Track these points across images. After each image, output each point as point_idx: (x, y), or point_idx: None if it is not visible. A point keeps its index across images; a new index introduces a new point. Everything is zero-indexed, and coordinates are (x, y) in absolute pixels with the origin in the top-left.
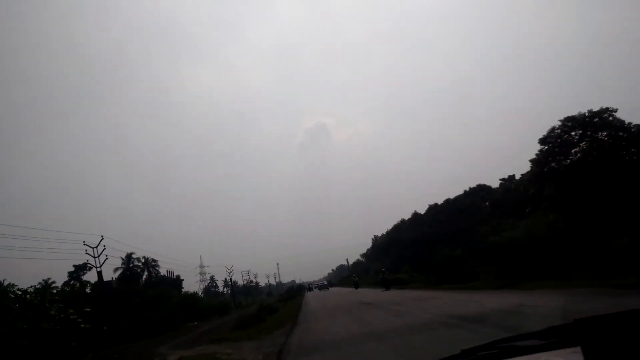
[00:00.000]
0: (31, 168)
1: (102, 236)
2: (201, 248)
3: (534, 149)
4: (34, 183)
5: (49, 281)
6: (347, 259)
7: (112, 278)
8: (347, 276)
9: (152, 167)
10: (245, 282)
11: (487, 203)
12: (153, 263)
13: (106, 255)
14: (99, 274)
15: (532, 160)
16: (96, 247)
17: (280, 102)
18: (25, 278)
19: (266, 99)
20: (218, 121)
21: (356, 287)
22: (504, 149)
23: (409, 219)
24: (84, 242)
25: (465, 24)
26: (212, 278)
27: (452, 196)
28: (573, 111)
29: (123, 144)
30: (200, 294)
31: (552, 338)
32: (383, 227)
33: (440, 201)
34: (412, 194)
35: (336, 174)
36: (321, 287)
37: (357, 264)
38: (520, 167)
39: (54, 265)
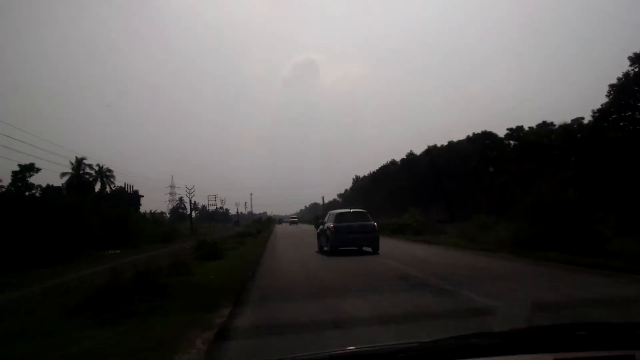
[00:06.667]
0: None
1: None
2: (173, 168)
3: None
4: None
5: None
6: (322, 197)
7: (62, 185)
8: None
9: (132, 83)
10: (215, 208)
11: (495, 152)
12: (108, 173)
13: None
14: None
15: (612, 86)
16: None
17: (271, 31)
18: None
19: (256, 26)
20: (203, 43)
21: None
22: (504, 99)
23: (402, 160)
24: None
25: None
26: (180, 199)
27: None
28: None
29: (110, 56)
30: (167, 214)
31: (516, 340)
32: (366, 169)
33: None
34: (399, 141)
35: (321, 112)
36: (291, 222)
37: (332, 203)
38: (525, 118)
39: None
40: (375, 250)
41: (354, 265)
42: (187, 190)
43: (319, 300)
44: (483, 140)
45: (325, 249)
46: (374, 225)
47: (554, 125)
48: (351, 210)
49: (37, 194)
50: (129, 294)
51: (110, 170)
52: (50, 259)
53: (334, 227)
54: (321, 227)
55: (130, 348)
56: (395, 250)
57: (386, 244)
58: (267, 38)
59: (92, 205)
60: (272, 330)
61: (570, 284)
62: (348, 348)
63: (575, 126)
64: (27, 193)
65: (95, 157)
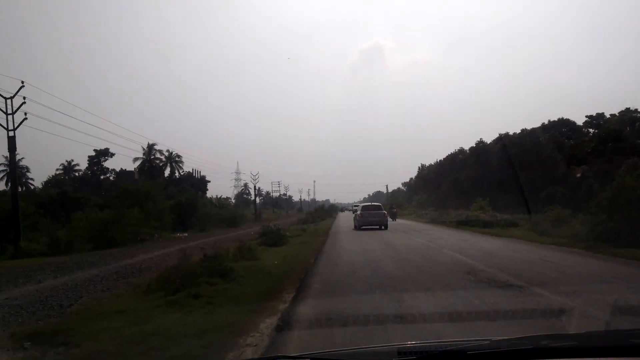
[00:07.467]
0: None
1: (22, 82)
2: (239, 155)
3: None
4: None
5: (72, 163)
6: (386, 186)
7: (134, 169)
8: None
9: (199, 72)
10: (279, 194)
11: (571, 141)
12: (177, 159)
13: (25, 114)
14: (11, 140)
15: None
16: (12, 97)
17: (339, 16)
18: (45, 158)
19: (324, 12)
20: (272, 29)
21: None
22: (585, 85)
23: (471, 148)
24: None
25: None
26: (245, 185)
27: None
28: None
29: (179, 44)
30: (232, 199)
31: (591, 344)
32: (432, 158)
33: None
34: (468, 129)
35: (387, 99)
36: (354, 210)
37: (396, 192)
38: (607, 105)
39: (72, 147)
40: (385, 228)
41: (419, 257)
42: (252, 177)
43: (381, 292)
44: (559, 128)
45: (355, 225)
46: (384, 212)
47: (639, 112)
48: (372, 204)
49: (111, 178)
50: (197, 276)
51: (179, 156)
52: (124, 239)
53: (360, 213)
54: (355, 213)
55: (198, 328)
56: (462, 242)
57: (453, 236)
58: (334, 24)
59: (162, 189)
60: (335, 320)
61: None
62: (415, 342)
63: None
64: (102, 177)
65: (165, 144)
